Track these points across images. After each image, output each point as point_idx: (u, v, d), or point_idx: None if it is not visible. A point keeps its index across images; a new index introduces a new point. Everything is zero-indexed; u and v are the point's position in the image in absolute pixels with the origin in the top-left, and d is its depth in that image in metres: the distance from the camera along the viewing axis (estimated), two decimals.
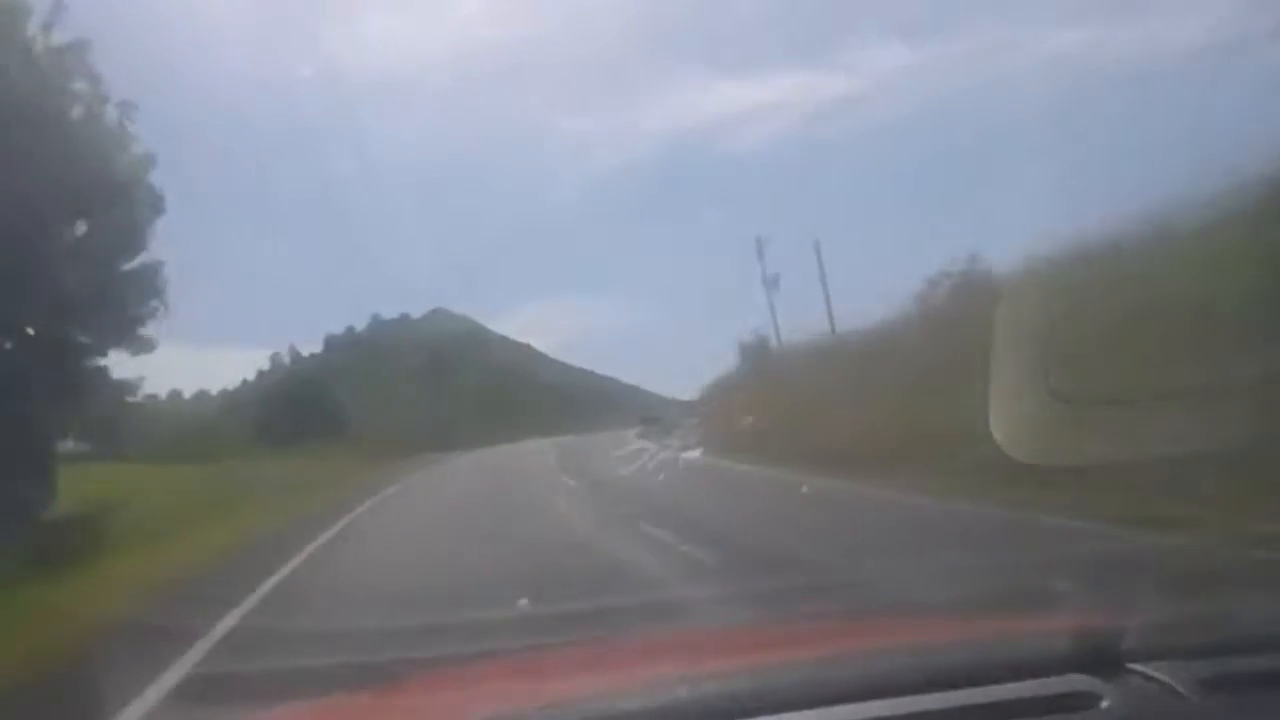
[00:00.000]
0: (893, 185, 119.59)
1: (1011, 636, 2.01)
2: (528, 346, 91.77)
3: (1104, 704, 1.56)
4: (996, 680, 1.61)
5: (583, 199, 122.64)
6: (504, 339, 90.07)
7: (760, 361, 38.27)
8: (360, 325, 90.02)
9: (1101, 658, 1.63)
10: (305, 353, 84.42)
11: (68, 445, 23.24)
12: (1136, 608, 1.80)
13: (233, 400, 57.35)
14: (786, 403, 23.46)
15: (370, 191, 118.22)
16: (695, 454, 23.06)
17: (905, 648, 1.96)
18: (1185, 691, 1.57)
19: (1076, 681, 1.60)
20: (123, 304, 19.99)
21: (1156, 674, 1.60)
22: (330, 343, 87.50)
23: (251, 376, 68.81)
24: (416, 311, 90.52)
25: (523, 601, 7.57)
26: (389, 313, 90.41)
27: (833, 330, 35.92)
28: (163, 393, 62.41)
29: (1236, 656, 1.68)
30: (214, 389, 60.11)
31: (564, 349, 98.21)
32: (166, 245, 21.49)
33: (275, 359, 79.27)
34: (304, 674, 5.12)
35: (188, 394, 59.72)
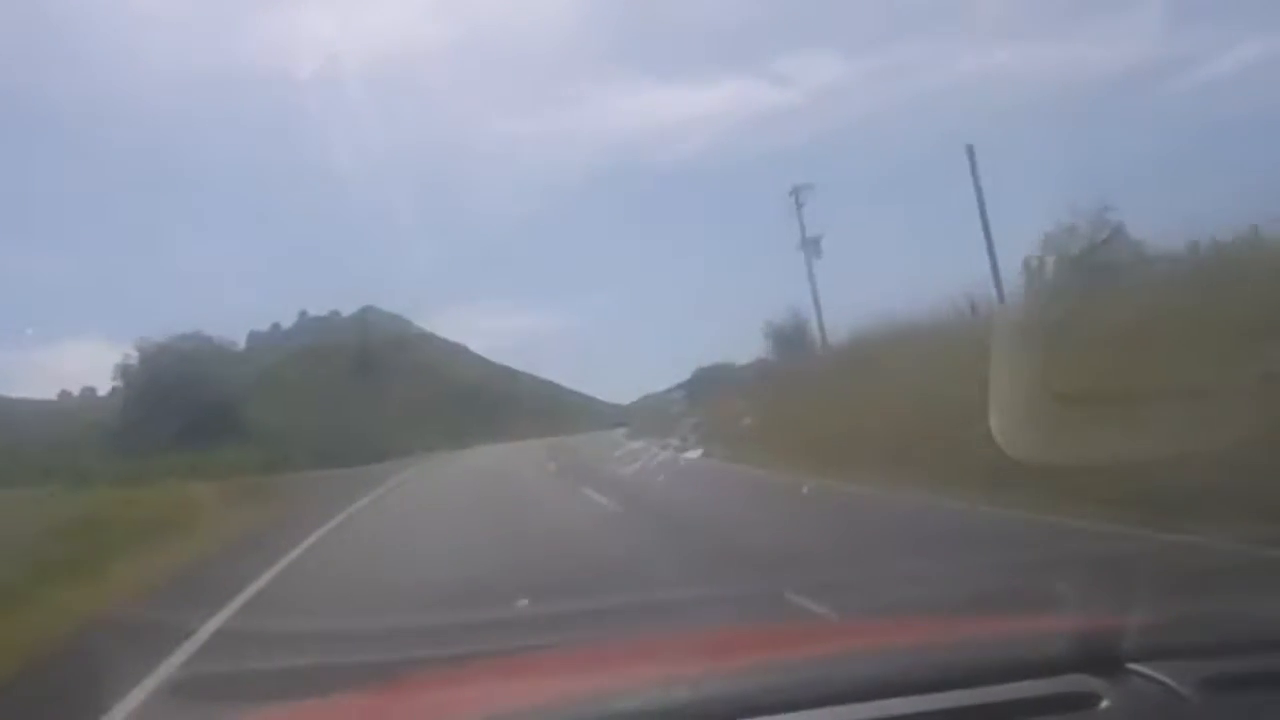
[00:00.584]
0: (825, 199, 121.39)
1: (1011, 636, 2.01)
2: (464, 347, 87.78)
3: (1104, 704, 1.56)
4: (996, 680, 1.61)
5: (520, 203, 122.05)
6: (439, 339, 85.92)
7: (793, 349, 36.19)
8: (287, 322, 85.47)
9: (1101, 658, 1.63)
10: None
11: None
12: (1136, 608, 1.79)
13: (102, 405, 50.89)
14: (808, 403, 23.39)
15: (299, 187, 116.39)
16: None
17: (905, 648, 1.96)
18: (1185, 691, 1.57)
19: (1076, 681, 1.60)
20: None
21: (1156, 674, 1.60)
22: (254, 340, 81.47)
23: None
24: (347, 309, 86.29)
25: (522, 602, 7.57)
26: (317, 310, 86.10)
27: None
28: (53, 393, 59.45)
29: (1236, 656, 1.68)
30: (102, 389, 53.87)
31: (500, 352, 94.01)
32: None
33: None
34: (303, 674, 5.12)
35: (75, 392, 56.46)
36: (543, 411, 73.60)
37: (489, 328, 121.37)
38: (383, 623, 7.16)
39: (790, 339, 45.15)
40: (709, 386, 64.96)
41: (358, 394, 60.67)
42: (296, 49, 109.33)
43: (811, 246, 39.97)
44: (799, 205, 39.73)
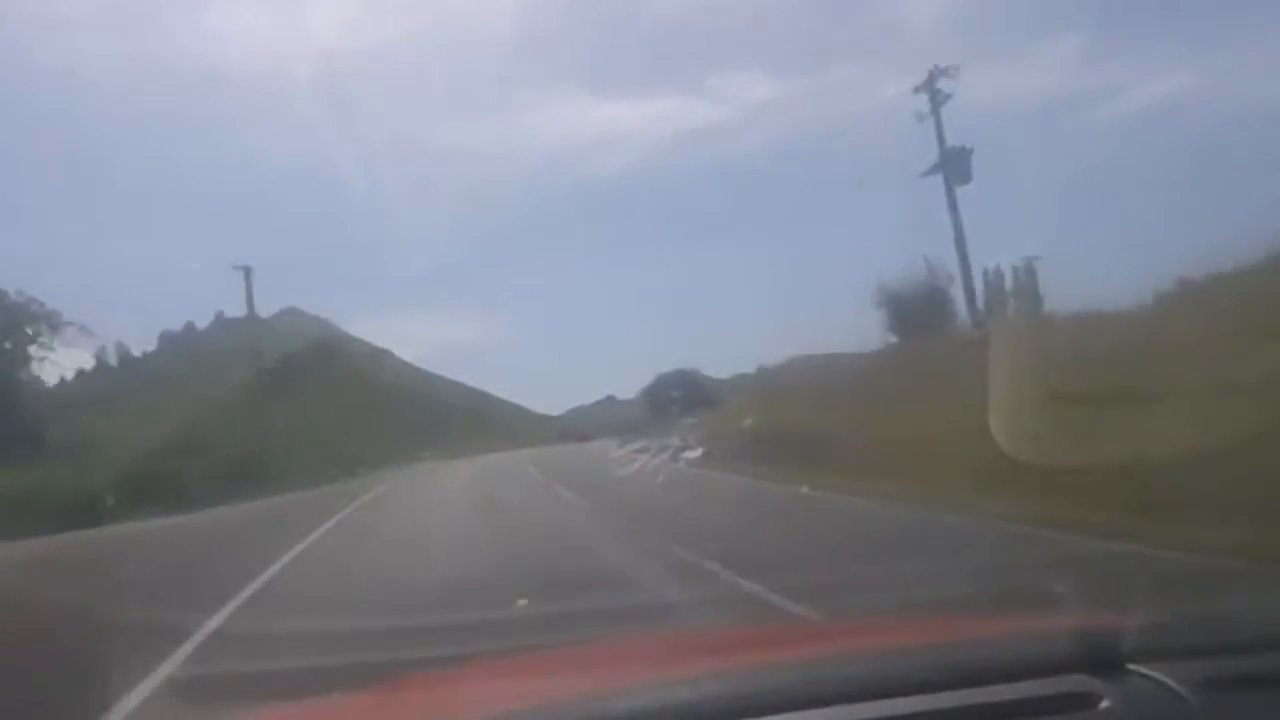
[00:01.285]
0: (752, 213, 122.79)
1: (1011, 636, 2.01)
2: (390, 353, 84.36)
3: (1104, 704, 1.56)
4: (996, 680, 1.61)
5: (454, 212, 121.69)
6: (364, 344, 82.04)
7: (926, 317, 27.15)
8: (203, 322, 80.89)
9: (1101, 658, 1.63)
10: (138, 352, 76.01)
11: None
12: (1136, 608, 1.79)
13: None
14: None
15: (223, 185, 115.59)
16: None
17: (905, 648, 1.96)
18: (1185, 692, 1.57)
19: (1076, 681, 1.60)
20: None
21: (1156, 674, 1.60)
22: (166, 340, 78.20)
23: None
24: (266, 310, 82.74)
25: (522, 602, 7.58)
26: (235, 310, 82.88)
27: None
28: None
29: (1236, 656, 1.68)
30: None
31: (430, 361, 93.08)
32: None
33: (100, 356, 70.47)
34: (303, 674, 5.12)
35: None
36: (475, 421, 70.89)
37: (419, 336, 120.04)
38: (383, 623, 7.17)
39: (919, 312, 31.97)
40: (677, 393, 61.59)
41: (278, 402, 54.39)
42: (227, 46, 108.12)
43: (959, 161, 31.95)
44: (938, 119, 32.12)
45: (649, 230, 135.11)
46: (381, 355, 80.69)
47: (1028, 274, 57.31)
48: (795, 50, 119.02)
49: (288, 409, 51.39)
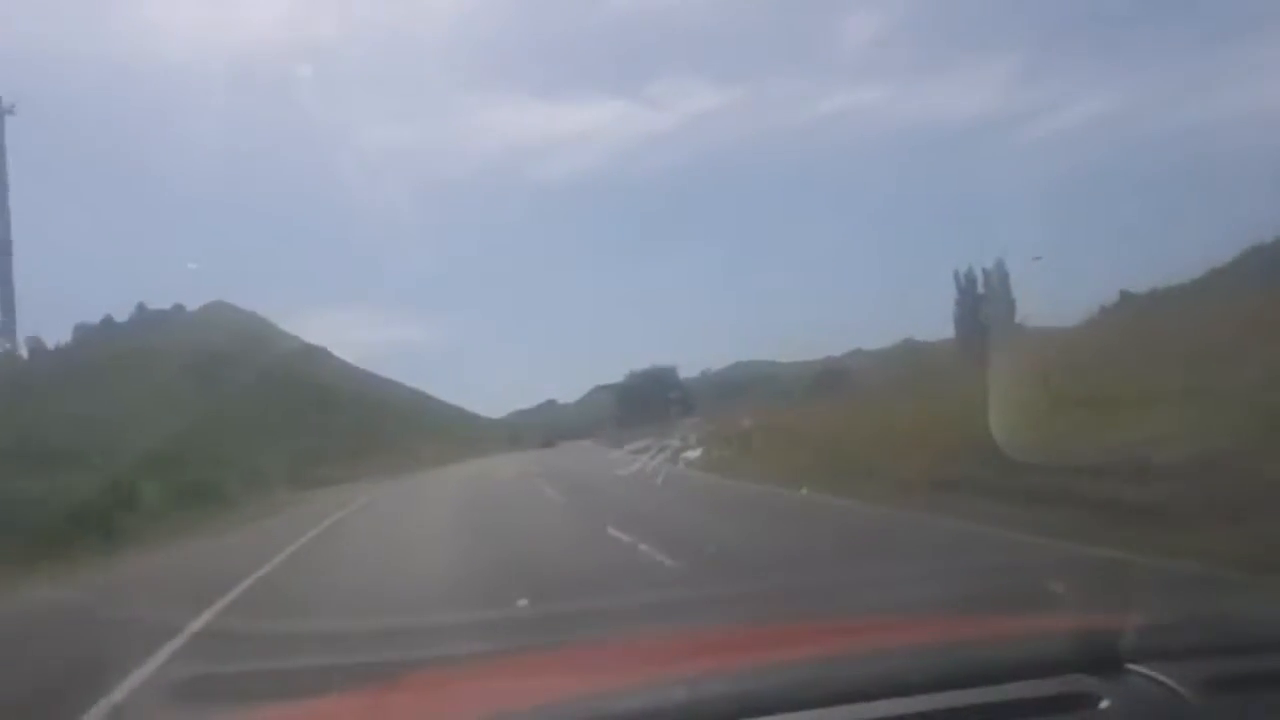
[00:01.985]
0: (700, 219, 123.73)
1: (1011, 636, 2.01)
2: (325, 350, 78.88)
3: (1104, 704, 1.56)
4: (996, 680, 1.61)
5: (395, 211, 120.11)
6: (298, 340, 75.44)
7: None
8: (122, 315, 74.37)
9: (1101, 658, 1.63)
10: (50, 344, 67.39)
11: None
12: (1136, 608, 1.80)
13: None
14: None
15: (150, 174, 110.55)
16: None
17: (905, 648, 1.96)
18: (1185, 691, 1.57)
19: (1076, 681, 1.60)
20: None
21: (1156, 674, 1.60)
22: (81, 333, 70.90)
23: None
24: (193, 303, 76.52)
25: (522, 602, 7.58)
26: (159, 302, 75.66)
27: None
28: None
29: (1236, 656, 1.68)
30: None
31: (370, 362, 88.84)
32: None
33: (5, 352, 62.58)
34: (303, 674, 5.12)
35: None
36: (416, 423, 67.30)
37: (359, 336, 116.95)
38: (383, 623, 7.17)
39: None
40: (652, 393, 60.18)
41: (200, 403, 47.74)
42: (167, 34, 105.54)
43: None
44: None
45: (595, 235, 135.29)
46: (316, 353, 75.58)
47: (999, 277, 56.90)
48: (740, 60, 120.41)
49: (210, 410, 45.68)
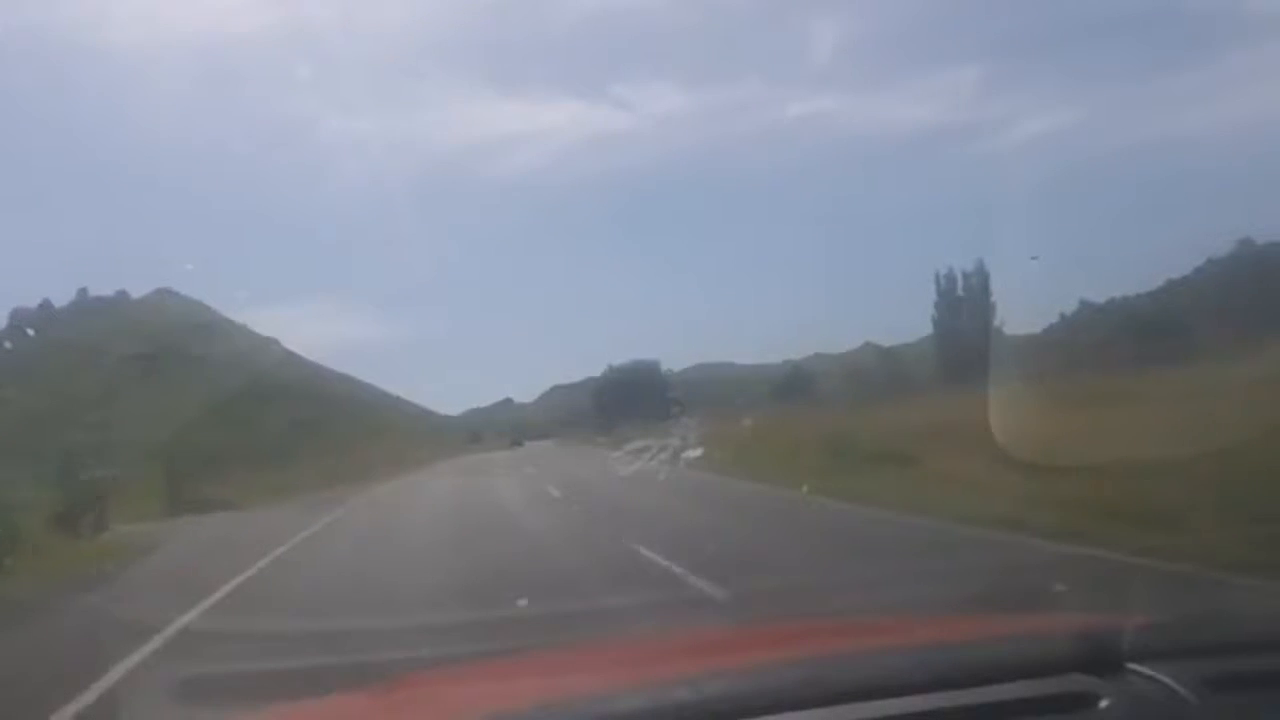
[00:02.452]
0: (655, 223, 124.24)
1: (1011, 636, 2.01)
2: (276, 342, 73.83)
3: (1104, 704, 1.56)
4: (996, 680, 1.61)
5: (352, 204, 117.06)
6: (247, 331, 71.36)
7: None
8: (62, 300, 70.92)
9: (1101, 658, 1.63)
10: None
11: None
12: (1136, 608, 1.80)
13: None
14: None
15: (96, 158, 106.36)
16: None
17: (905, 648, 1.96)
18: (1185, 691, 1.57)
19: (1076, 681, 1.61)
20: None
21: (1156, 674, 1.60)
22: (18, 319, 67.43)
23: None
24: (138, 290, 72.27)
25: (522, 602, 7.58)
26: (101, 289, 71.85)
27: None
28: None
29: (1236, 656, 1.68)
30: None
31: (318, 354, 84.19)
32: None
33: None
34: (303, 674, 5.12)
35: None
36: (370, 420, 64.69)
37: (313, 332, 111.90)
38: (383, 623, 7.17)
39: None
40: (634, 389, 57.97)
41: (145, 391, 44.92)
42: (115, 15, 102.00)
43: None
44: None
45: (555, 234, 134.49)
46: (266, 344, 71.27)
47: (979, 279, 57.01)
48: (701, 65, 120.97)
49: (144, 403, 42.11)
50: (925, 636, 2.21)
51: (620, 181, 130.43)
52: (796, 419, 28.12)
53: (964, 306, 55.25)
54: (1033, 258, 37.35)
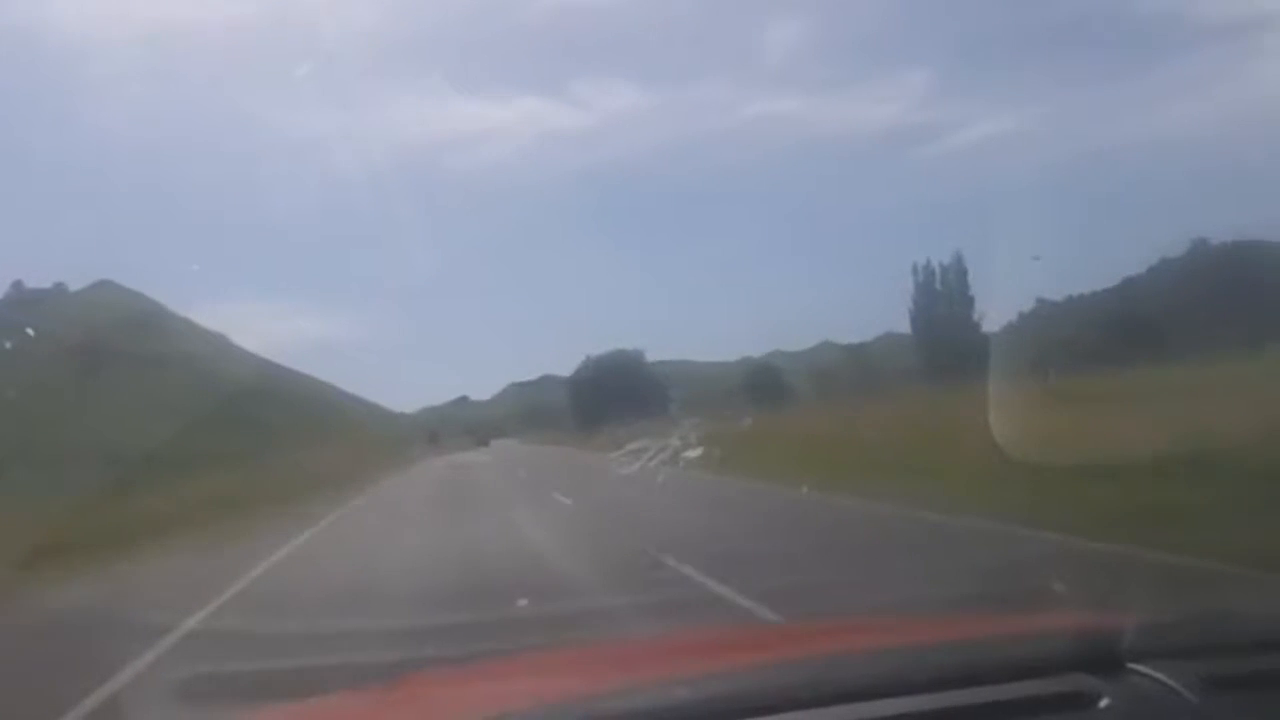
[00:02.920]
0: (612, 220, 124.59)
1: (1011, 636, 2.01)
2: (224, 338, 70.85)
3: (1104, 704, 1.57)
4: (996, 680, 1.61)
5: (303, 198, 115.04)
6: (194, 326, 68.12)
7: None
8: None
9: (1101, 658, 1.63)
10: None
11: None
12: (1136, 608, 1.80)
13: None
14: None
15: (34, 147, 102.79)
16: None
17: (905, 648, 1.96)
18: (1185, 691, 1.57)
19: (1076, 681, 1.61)
20: None
21: (1156, 674, 1.60)
22: None
23: None
24: (76, 283, 69.55)
25: (522, 602, 7.58)
26: (38, 280, 68.98)
27: None
28: None
29: (1236, 656, 1.68)
30: None
31: (268, 349, 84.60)
32: None
33: None
34: (304, 674, 5.12)
35: None
36: (325, 417, 62.11)
37: (265, 328, 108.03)
38: (383, 623, 7.17)
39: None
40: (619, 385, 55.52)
41: (76, 393, 40.96)
42: (62, 4, 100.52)
43: None
44: None
45: (511, 231, 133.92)
46: (214, 340, 67.91)
47: (957, 273, 57.21)
48: (661, 64, 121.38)
49: (77, 401, 38.48)
50: (925, 636, 2.21)
51: (579, 180, 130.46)
52: (790, 419, 27.76)
53: (941, 300, 55.27)
54: (1034, 257, 37.50)
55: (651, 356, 66.69)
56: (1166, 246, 51.81)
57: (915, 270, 55.86)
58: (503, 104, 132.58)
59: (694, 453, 22.45)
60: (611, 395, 52.63)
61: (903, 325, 58.15)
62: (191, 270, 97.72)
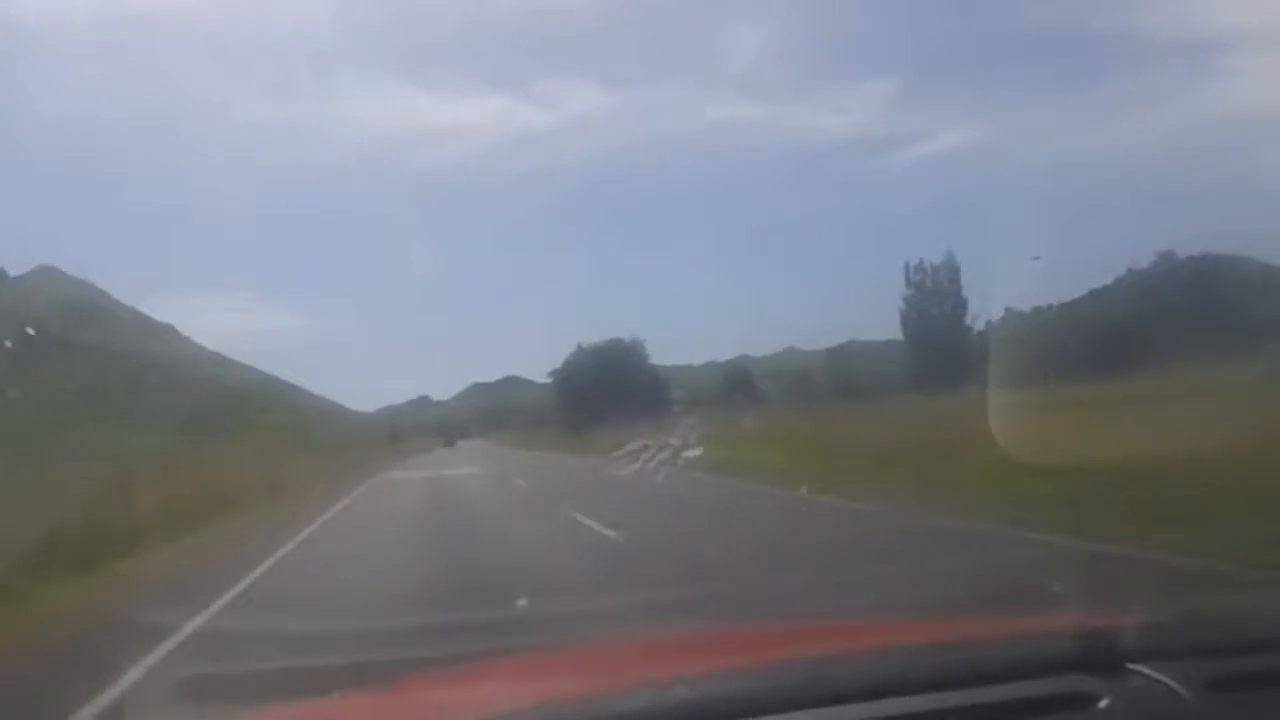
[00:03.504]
0: (575, 220, 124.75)
1: (1011, 636, 2.01)
2: (172, 329, 67.89)
3: (1104, 704, 1.57)
4: (996, 680, 1.61)
5: (259, 191, 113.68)
6: (141, 316, 64.55)
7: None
8: None
9: (1101, 658, 1.63)
10: None
11: None
12: (1136, 608, 1.80)
13: None
14: None
15: None
16: None
17: (905, 648, 1.96)
18: (1185, 691, 1.58)
19: (1076, 681, 1.61)
20: None
21: (1156, 674, 1.61)
22: None
23: None
24: (16, 268, 66.30)
25: (522, 602, 7.59)
26: None
27: None
28: None
29: (1236, 656, 1.68)
30: None
31: (223, 344, 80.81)
32: None
33: None
34: (303, 674, 5.12)
35: None
36: (282, 415, 57.31)
37: (219, 322, 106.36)
38: (383, 623, 7.17)
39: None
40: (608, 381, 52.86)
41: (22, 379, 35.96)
42: None
43: None
44: None
45: (474, 230, 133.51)
46: (162, 331, 64.29)
47: (949, 272, 57.51)
48: (626, 66, 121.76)
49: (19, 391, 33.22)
50: (925, 636, 2.21)
51: (541, 180, 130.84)
52: (787, 421, 27.59)
53: (930, 303, 55.39)
54: (1034, 258, 37.70)
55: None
56: (1133, 257, 52.66)
57: (908, 269, 56.00)
58: (468, 102, 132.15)
59: (694, 452, 22.40)
60: (605, 391, 49.64)
61: (870, 332, 58.48)
62: (140, 260, 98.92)
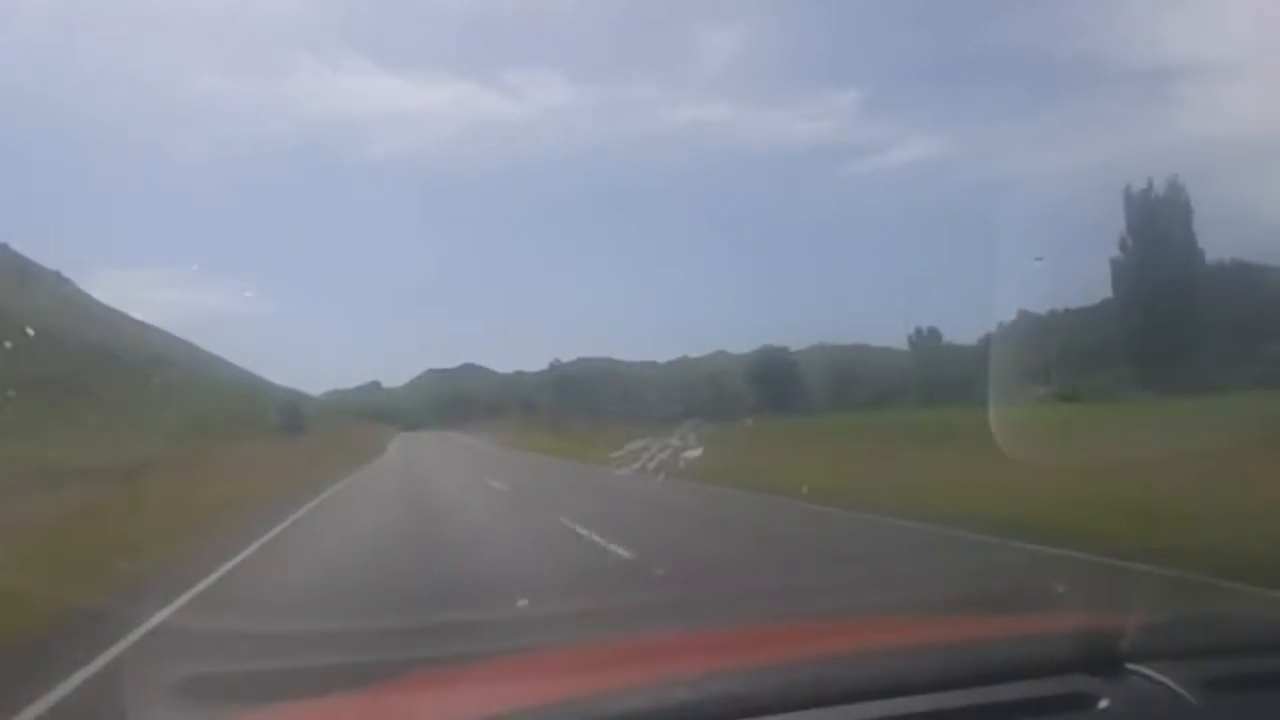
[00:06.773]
0: (539, 211, 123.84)
1: (1011, 636, 2.01)
2: (122, 314, 63.72)
3: (1104, 704, 1.57)
4: (996, 680, 1.61)
5: (212, 170, 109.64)
6: (78, 290, 61.21)
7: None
8: None
9: (1101, 658, 1.63)
10: None
11: None
12: (1136, 608, 1.80)
13: None
14: None
15: None
16: None
17: (905, 648, 1.96)
18: (1185, 692, 1.58)
19: (1076, 682, 1.61)
20: None
21: (1156, 674, 1.61)
22: None
23: None
24: None
25: (522, 602, 7.58)
26: None
27: None
28: None
29: (1236, 656, 1.68)
30: None
31: (166, 321, 77.59)
32: None
33: None
34: (302, 674, 5.12)
35: None
36: (225, 395, 54.47)
37: (163, 299, 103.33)
38: (383, 623, 7.16)
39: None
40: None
41: None
42: None
43: None
44: None
45: (434, 217, 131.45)
46: (103, 308, 57.60)
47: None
48: (596, 61, 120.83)
49: None
50: (925, 636, 2.21)
51: (506, 170, 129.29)
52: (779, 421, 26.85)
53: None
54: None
55: (576, 353, 66.74)
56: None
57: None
58: (430, 87, 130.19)
59: (694, 453, 22.38)
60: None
61: (834, 336, 58.85)
62: (83, 233, 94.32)
